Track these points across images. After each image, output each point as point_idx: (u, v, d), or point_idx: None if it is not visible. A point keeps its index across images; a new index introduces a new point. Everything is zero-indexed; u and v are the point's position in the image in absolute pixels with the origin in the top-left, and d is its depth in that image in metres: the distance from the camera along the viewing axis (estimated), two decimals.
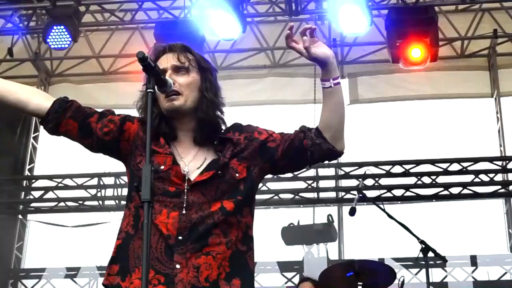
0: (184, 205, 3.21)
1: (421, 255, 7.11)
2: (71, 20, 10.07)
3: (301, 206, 11.14)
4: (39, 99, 3.47)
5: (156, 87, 3.17)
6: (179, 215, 3.19)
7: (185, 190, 3.24)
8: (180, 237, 3.16)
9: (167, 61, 3.41)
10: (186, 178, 3.27)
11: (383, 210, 7.56)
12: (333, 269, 8.09)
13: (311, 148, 3.37)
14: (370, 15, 9.58)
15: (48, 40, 10.08)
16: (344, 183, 11.45)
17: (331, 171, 11.48)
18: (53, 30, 10.00)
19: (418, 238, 7.13)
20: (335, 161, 11.44)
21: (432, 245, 7.21)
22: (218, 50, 11.84)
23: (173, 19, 10.65)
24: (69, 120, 3.41)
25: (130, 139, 3.43)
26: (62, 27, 9.97)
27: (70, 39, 10.07)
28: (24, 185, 12.29)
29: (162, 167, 3.23)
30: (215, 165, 3.32)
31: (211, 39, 10.82)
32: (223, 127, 3.48)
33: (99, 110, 3.53)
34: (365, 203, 8.20)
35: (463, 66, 11.90)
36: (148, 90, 3.09)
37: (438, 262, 7.62)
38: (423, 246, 7.09)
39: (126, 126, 3.44)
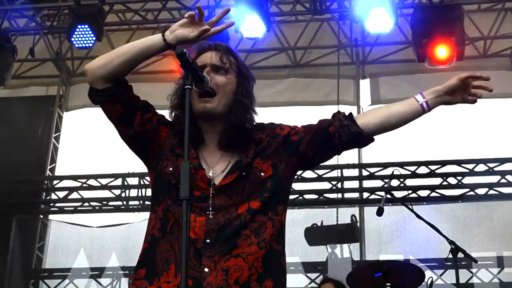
0: (211, 210, 3.18)
1: (450, 256, 7.07)
2: (95, 19, 10.06)
3: (326, 207, 11.07)
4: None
5: (193, 84, 3.12)
6: (206, 219, 3.16)
7: (211, 195, 3.21)
8: (208, 240, 3.13)
9: (208, 58, 3.39)
10: (212, 182, 3.24)
11: (412, 210, 7.49)
12: (361, 270, 8.06)
13: (338, 129, 3.32)
14: (395, 14, 9.51)
15: (73, 39, 10.09)
16: (368, 183, 11.38)
17: (355, 172, 11.42)
18: (77, 29, 10.01)
19: (447, 239, 7.06)
20: (359, 162, 11.44)
21: (459, 244, 7.17)
22: (240, 50, 11.78)
23: None
24: (117, 103, 3.36)
25: (160, 143, 3.41)
26: (86, 26, 9.98)
27: (94, 38, 10.08)
28: (46, 185, 12.28)
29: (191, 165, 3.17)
30: (238, 166, 3.29)
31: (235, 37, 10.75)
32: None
33: (145, 101, 3.48)
34: (390, 204, 8.08)
35: (486, 65, 11.75)
36: (186, 86, 3.07)
37: (463, 263, 7.50)
38: (453, 247, 7.02)
39: (160, 129, 3.42)
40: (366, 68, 12.33)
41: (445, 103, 3.48)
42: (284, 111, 12.08)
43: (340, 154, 3.48)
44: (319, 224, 10.55)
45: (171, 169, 3.29)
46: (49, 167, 12.48)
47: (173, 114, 3.44)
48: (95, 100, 3.40)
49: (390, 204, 8.18)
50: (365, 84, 12.37)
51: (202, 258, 3.11)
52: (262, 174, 3.28)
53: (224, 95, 3.33)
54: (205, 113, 3.31)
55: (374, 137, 3.41)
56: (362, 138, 3.36)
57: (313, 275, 10.88)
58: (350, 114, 3.40)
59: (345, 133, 3.32)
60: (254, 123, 3.45)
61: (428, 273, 9.84)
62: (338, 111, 3.45)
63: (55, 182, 12.17)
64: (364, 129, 3.33)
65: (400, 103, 3.45)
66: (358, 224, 10.78)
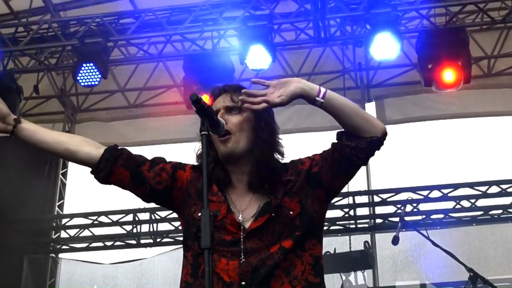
0: (243, 253, 3.16)
1: (470, 284, 7.02)
2: (100, 56, 10.04)
3: (339, 235, 11.00)
4: (89, 148, 3.47)
5: (209, 129, 3.09)
6: (238, 262, 3.13)
7: (241, 239, 3.19)
8: (243, 283, 3.11)
9: (220, 102, 3.40)
10: (242, 226, 3.22)
11: (428, 237, 7.45)
12: None
13: (352, 153, 3.26)
14: (401, 40, 9.47)
15: (78, 78, 10.07)
16: (380, 210, 11.31)
17: (367, 199, 11.36)
18: (82, 68, 9.99)
19: (466, 266, 7.03)
20: (368, 189, 11.37)
21: (475, 269, 7.12)
22: (244, 79, 11.76)
23: (201, 51, 10.57)
24: (120, 168, 3.40)
25: (183, 188, 3.40)
26: (91, 64, 9.96)
27: (99, 75, 10.06)
28: (56, 223, 12.22)
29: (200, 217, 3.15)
30: (268, 208, 3.26)
31: (238, 68, 10.73)
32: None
33: (150, 158, 3.50)
34: (404, 229, 8.02)
35: (490, 84, 11.75)
36: (203, 133, 3.04)
37: (479, 285, 7.44)
38: (472, 274, 6.97)
39: (178, 175, 3.42)
40: (371, 91, 12.28)
41: None
42: (292, 138, 12.03)
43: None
44: (332, 252, 10.48)
45: (199, 214, 3.17)
46: (57, 203, 12.44)
47: (199, 162, 3.42)
48: (103, 178, 3.46)
49: (404, 230, 8.08)
50: (370, 107, 12.33)
51: None
52: (291, 212, 3.26)
53: (242, 133, 3.33)
54: (228, 154, 3.31)
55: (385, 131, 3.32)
56: (376, 143, 3.30)
57: None
58: (347, 133, 3.31)
59: (360, 153, 3.26)
60: (284, 157, 3.43)
61: None
62: (340, 136, 3.35)
63: (65, 220, 12.12)
64: (371, 133, 3.28)
65: None
66: (371, 250, 10.73)
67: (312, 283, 3.21)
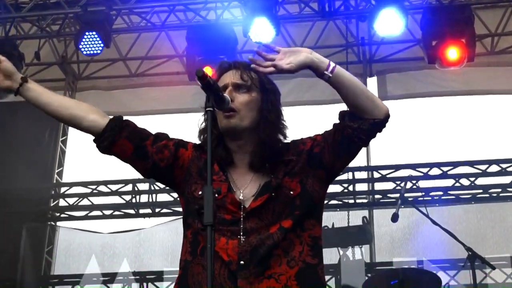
0: (242, 233, 3.15)
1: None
2: (103, 25, 9.99)
3: (337, 209, 11.01)
4: (94, 116, 3.43)
5: (215, 105, 3.08)
6: (238, 241, 3.13)
7: (241, 218, 3.18)
8: (242, 262, 3.10)
9: (229, 78, 3.36)
10: (242, 205, 3.21)
11: (427, 215, 7.46)
12: (377, 278, 8.02)
13: (354, 133, 3.25)
14: (405, 16, 9.43)
15: (80, 46, 10.03)
16: (379, 186, 11.32)
17: (366, 175, 11.37)
18: (85, 36, 9.95)
19: (464, 245, 7.05)
20: (367, 164, 11.37)
21: (473, 247, 7.14)
22: (245, 51, 11.72)
23: (204, 22, 10.52)
24: (124, 140, 3.37)
25: (184, 166, 3.39)
26: (94, 33, 9.91)
27: (102, 44, 10.02)
28: (56, 192, 12.25)
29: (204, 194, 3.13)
30: (268, 188, 3.25)
31: (241, 40, 10.67)
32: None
33: (153, 132, 3.48)
34: (402, 206, 8.02)
35: (494, 62, 11.70)
36: (208, 109, 3.03)
37: (476, 263, 7.46)
38: (470, 253, 7.00)
39: (180, 153, 3.41)
40: (373, 66, 12.25)
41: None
42: (292, 111, 12.01)
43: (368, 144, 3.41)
44: (330, 226, 10.51)
45: (200, 192, 3.25)
46: (56, 170, 12.44)
47: (201, 137, 3.41)
48: (105, 147, 3.41)
49: (403, 207, 8.07)
50: (372, 82, 12.31)
51: (237, 280, 3.08)
52: (291, 192, 3.25)
53: (247, 113, 3.31)
54: (230, 129, 3.30)
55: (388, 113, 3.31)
56: (379, 125, 3.29)
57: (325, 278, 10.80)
58: (351, 113, 3.31)
59: (361, 134, 3.26)
60: (287, 139, 3.41)
61: (442, 275, 9.87)
62: (342, 115, 3.34)
63: (64, 188, 12.14)
64: (374, 114, 3.27)
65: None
66: (369, 225, 10.76)
67: (310, 264, 3.21)
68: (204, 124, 3.37)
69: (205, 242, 3.03)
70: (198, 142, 3.44)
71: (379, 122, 3.28)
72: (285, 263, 3.14)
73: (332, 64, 3.25)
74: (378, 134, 3.34)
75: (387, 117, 3.30)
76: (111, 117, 3.45)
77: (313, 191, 3.29)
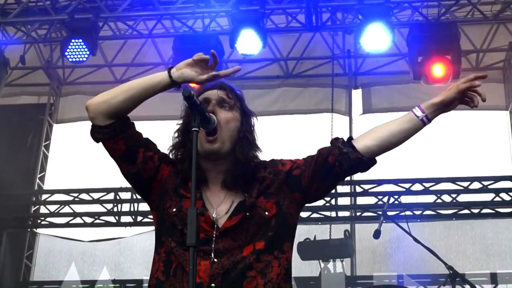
0: (215, 253, 3.13)
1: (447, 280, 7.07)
2: (89, 33, 9.94)
3: (319, 223, 11.01)
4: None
5: (200, 125, 3.09)
6: (210, 262, 3.11)
7: (214, 238, 3.17)
8: (212, 284, 3.09)
9: (214, 94, 3.37)
10: (215, 224, 3.20)
11: (409, 233, 7.49)
12: None
13: (338, 158, 3.29)
14: (392, 32, 9.44)
15: (66, 53, 9.96)
16: (361, 200, 11.34)
17: (348, 189, 11.37)
18: (71, 43, 9.88)
19: (446, 264, 7.08)
20: (350, 179, 11.37)
21: (453, 263, 7.16)
22: (231, 60, 11.72)
23: (191, 32, 10.52)
24: (120, 140, 3.33)
25: (162, 181, 3.37)
26: (80, 40, 9.85)
27: (88, 52, 9.95)
28: (37, 199, 12.18)
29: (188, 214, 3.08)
30: (242, 207, 3.24)
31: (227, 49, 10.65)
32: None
33: (147, 138, 3.45)
34: (384, 221, 8.03)
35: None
36: (194, 129, 3.03)
37: (457, 279, 7.46)
38: (451, 271, 7.01)
39: (161, 167, 3.39)
40: (358, 78, 12.28)
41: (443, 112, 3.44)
42: (277, 120, 12.03)
43: (343, 180, 3.45)
44: (312, 239, 10.51)
45: (174, 209, 3.25)
46: (38, 175, 12.38)
47: (173, 152, 3.41)
48: (97, 138, 3.37)
49: (384, 222, 8.07)
50: (357, 94, 12.35)
51: None
52: (266, 213, 3.24)
53: (228, 132, 3.31)
54: (212, 153, 3.28)
55: (376, 158, 3.37)
56: (363, 163, 3.32)
57: None
58: (349, 138, 3.37)
59: (345, 161, 3.28)
60: (258, 160, 3.41)
61: None
62: (337, 138, 3.41)
63: (46, 195, 12.06)
64: (365, 152, 3.29)
65: (399, 120, 3.41)
66: (351, 238, 10.76)
67: None
68: (177, 139, 3.40)
69: (178, 262, 3.11)
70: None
71: (365, 162, 3.32)
72: (262, 285, 3.13)
73: (428, 123, 3.45)
74: (357, 174, 3.39)
75: (373, 162, 3.36)
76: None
77: (288, 214, 3.30)
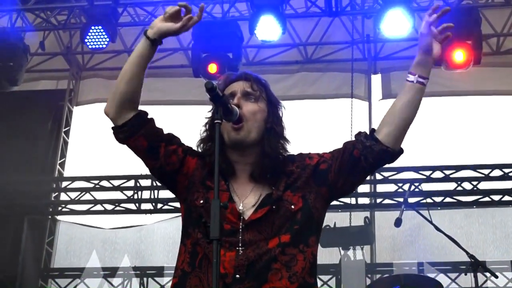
0: (241, 245, 3.14)
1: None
2: (109, 20, 9.94)
3: (339, 210, 10.98)
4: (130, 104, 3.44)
5: (223, 117, 3.10)
6: (236, 254, 3.12)
7: (241, 229, 3.17)
8: (237, 275, 3.10)
9: (239, 86, 3.39)
10: (241, 216, 3.20)
11: (430, 221, 7.45)
12: (379, 283, 8.03)
13: (363, 152, 3.27)
14: (413, 18, 9.36)
15: (86, 40, 9.97)
16: (381, 188, 11.28)
17: (369, 176, 11.30)
18: (91, 30, 9.88)
19: (467, 253, 7.02)
20: None
21: (472, 251, 7.12)
22: (250, 45, 11.68)
23: (210, 19, 10.49)
24: (140, 137, 3.37)
25: (189, 174, 3.38)
26: (100, 27, 9.85)
27: (108, 39, 9.96)
28: (58, 185, 12.25)
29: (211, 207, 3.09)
30: (269, 200, 3.24)
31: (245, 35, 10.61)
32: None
33: (169, 133, 3.48)
34: (404, 209, 7.99)
35: (499, 62, 11.65)
36: (216, 121, 3.04)
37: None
38: (473, 260, 6.97)
39: (186, 160, 3.41)
40: (378, 63, 12.22)
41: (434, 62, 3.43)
42: (296, 105, 12.00)
43: (373, 173, 3.45)
44: (331, 226, 10.49)
45: (201, 201, 3.27)
46: (59, 161, 12.42)
47: (201, 146, 3.42)
48: (120, 139, 3.42)
49: (404, 209, 8.03)
50: (376, 79, 12.30)
51: None
52: (293, 207, 3.24)
53: (254, 123, 3.32)
54: (237, 142, 3.29)
55: (402, 147, 3.35)
56: (388, 154, 3.30)
57: (325, 277, 10.79)
58: (372, 131, 3.35)
59: (370, 155, 3.27)
60: (286, 154, 3.41)
61: (443, 277, 9.88)
62: (359, 132, 3.39)
63: (67, 182, 12.09)
64: (388, 141, 3.28)
65: (401, 95, 3.39)
66: (371, 226, 10.74)
67: (308, 283, 3.20)
68: (205, 133, 3.41)
69: (204, 254, 3.12)
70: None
71: (390, 152, 3.30)
72: (286, 278, 3.12)
73: (426, 82, 3.41)
74: (381, 166, 3.36)
75: (399, 154, 3.34)
76: (138, 111, 3.43)
77: (314, 208, 3.29)
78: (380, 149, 3.26)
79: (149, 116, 3.44)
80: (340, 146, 3.41)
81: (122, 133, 3.39)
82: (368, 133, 3.34)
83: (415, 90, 3.34)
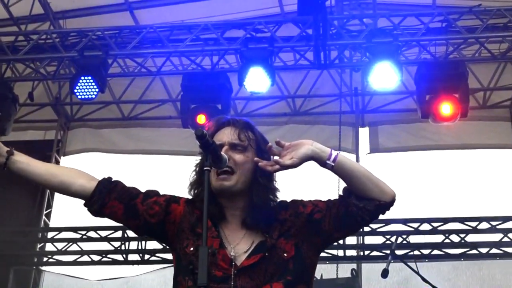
0: None
1: None
2: (99, 70, 9.96)
3: (327, 262, 10.94)
4: (82, 181, 3.42)
5: (212, 164, 3.08)
6: None
7: (232, 275, 3.14)
8: None
9: (226, 136, 3.37)
10: (233, 262, 3.18)
11: (417, 273, 7.45)
12: None
13: (359, 213, 3.25)
14: (400, 71, 9.44)
15: (76, 91, 9.95)
16: (369, 240, 11.27)
17: None
18: (80, 80, 9.89)
19: None
20: None
21: None
22: (239, 97, 11.76)
23: (199, 70, 10.54)
24: (114, 201, 3.36)
25: (176, 222, 3.37)
26: (89, 77, 9.85)
27: (97, 89, 9.95)
28: (42, 235, 12.17)
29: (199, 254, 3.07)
30: (262, 247, 3.22)
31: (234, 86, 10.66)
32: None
33: (143, 190, 3.46)
34: (392, 261, 7.98)
35: (485, 116, 11.77)
36: (205, 168, 3.02)
37: None
38: None
39: (172, 208, 3.39)
40: (365, 117, 12.30)
41: None
42: None
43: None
44: (318, 278, 10.44)
45: (191, 249, 3.24)
46: (45, 212, 12.34)
47: (191, 191, 3.40)
48: (95, 211, 3.41)
49: (392, 261, 8.02)
50: (364, 132, 12.35)
51: None
52: (285, 254, 3.22)
53: (242, 174, 3.30)
54: (223, 190, 3.28)
55: (395, 197, 3.34)
56: (383, 208, 3.30)
57: None
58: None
59: (366, 214, 3.27)
60: (278, 200, 3.40)
61: None
62: (348, 192, 3.33)
63: (53, 233, 12.02)
64: (380, 197, 3.27)
65: None
66: (358, 277, 10.69)
67: None
68: (195, 177, 3.40)
69: None
70: (189, 196, 3.44)
71: (384, 205, 3.30)
72: None
73: (334, 153, 3.26)
74: (377, 218, 3.37)
75: (393, 200, 3.32)
76: (99, 179, 3.43)
77: (306, 257, 3.28)
78: (375, 205, 3.27)
79: (113, 179, 3.44)
80: (330, 197, 3.42)
81: (95, 203, 3.37)
82: (354, 194, 3.31)
83: (339, 168, 3.27)
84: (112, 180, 3.44)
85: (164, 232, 3.39)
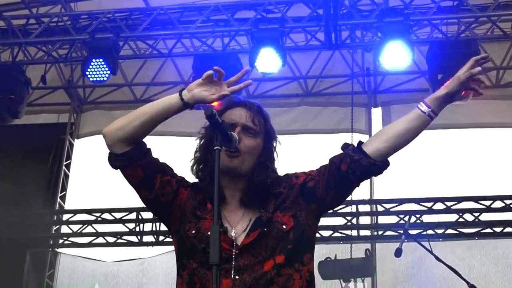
0: (236, 270, 3.15)
1: None
2: (110, 52, 9.96)
3: (341, 242, 10.96)
4: None
5: (222, 144, 3.10)
6: (232, 280, 3.12)
7: (234, 255, 3.18)
8: None
9: (240, 117, 3.40)
10: (234, 243, 3.21)
11: (431, 251, 7.44)
12: None
13: (351, 166, 3.30)
14: (412, 50, 9.40)
15: (87, 73, 9.97)
16: (383, 219, 11.27)
17: (370, 208, 11.31)
18: (92, 63, 9.91)
19: (468, 283, 7.00)
20: (371, 198, 11.31)
21: (474, 282, 7.10)
22: (251, 79, 11.69)
23: (210, 51, 10.53)
24: (138, 168, 3.36)
25: (181, 205, 3.39)
26: (101, 60, 9.86)
27: (109, 72, 9.96)
28: (57, 217, 12.25)
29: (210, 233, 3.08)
30: (259, 223, 3.26)
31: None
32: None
33: (164, 163, 3.48)
34: (406, 240, 7.97)
35: (498, 95, 11.69)
36: (216, 148, 3.04)
37: None
38: None
39: (180, 191, 3.42)
40: (378, 97, 12.26)
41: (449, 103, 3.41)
42: (296, 139, 12.00)
43: (359, 186, 3.44)
44: (332, 258, 10.46)
45: (193, 231, 3.27)
46: (59, 195, 12.42)
47: (194, 169, 3.44)
48: (115, 165, 3.40)
49: (406, 241, 8.01)
50: (377, 113, 12.31)
51: None
52: (284, 226, 3.25)
53: (250, 157, 3.35)
54: (230, 169, 3.32)
55: (389, 160, 3.36)
56: (376, 167, 3.33)
57: None
58: (359, 144, 3.38)
59: (358, 168, 3.30)
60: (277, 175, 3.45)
61: None
62: (346, 144, 3.43)
63: (68, 215, 12.09)
64: (376, 156, 3.30)
65: (406, 119, 3.36)
66: (372, 258, 10.70)
67: None
68: (199, 154, 3.44)
69: (201, 283, 3.13)
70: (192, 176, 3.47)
71: (377, 165, 3.32)
72: None
73: (434, 117, 3.39)
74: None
75: (386, 164, 3.35)
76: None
77: (306, 225, 3.31)
78: (369, 163, 3.30)
79: (147, 147, 3.44)
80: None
81: (119, 162, 3.37)
82: (355, 146, 3.37)
83: (423, 121, 3.32)
84: (146, 147, 3.43)
85: (169, 214, 3.42)
